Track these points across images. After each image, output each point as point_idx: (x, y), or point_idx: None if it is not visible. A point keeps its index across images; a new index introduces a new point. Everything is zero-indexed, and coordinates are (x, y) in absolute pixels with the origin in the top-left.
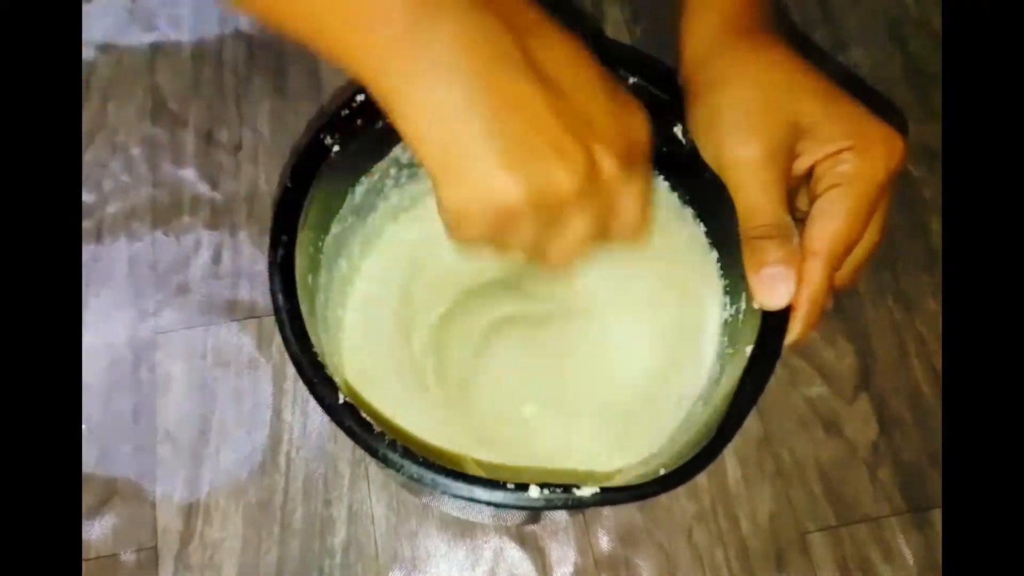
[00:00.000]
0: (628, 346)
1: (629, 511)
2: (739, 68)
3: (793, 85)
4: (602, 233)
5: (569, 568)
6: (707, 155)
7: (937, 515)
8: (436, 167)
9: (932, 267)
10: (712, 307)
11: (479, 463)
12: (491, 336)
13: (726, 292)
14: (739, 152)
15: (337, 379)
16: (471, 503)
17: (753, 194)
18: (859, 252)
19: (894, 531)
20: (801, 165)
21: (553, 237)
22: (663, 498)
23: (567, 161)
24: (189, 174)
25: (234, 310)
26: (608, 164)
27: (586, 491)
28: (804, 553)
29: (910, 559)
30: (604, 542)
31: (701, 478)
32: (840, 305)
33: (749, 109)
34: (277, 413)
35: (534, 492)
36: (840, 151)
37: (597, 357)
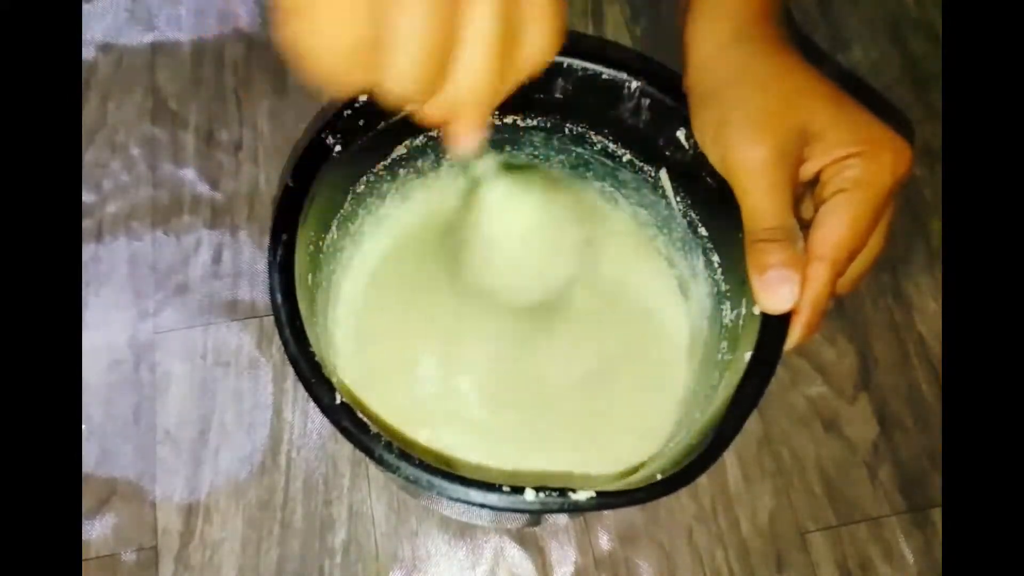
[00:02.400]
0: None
1: (629, 511)
2: (748, 72)
3: (802, 90)
4: (508, 39)
5: (569, 568)
6: (713, 158)
7: (937, 515)
8: None
9: (932, 267)
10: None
11: (468, 465)
12: (489, 333)
13: (726, 297)
14: (747, 154)
15: (334, 379)
16: (468, 506)
17: (759, 197)
18: (862, 259)
19: (894, 531)
20: (808, 170)
21: (458, 54)
22: (663, 498)
23: None
24: (189, 174)
25: (234, 310)
26: None
27: (582, 495)
28: (804, 553)
29: (910, 559)
30: (604, 542)
31: (701, 478)
32: (840, 305)
33: (758, 112)
34: (277, 413)
35: (530, 495)
36: (848, 156)
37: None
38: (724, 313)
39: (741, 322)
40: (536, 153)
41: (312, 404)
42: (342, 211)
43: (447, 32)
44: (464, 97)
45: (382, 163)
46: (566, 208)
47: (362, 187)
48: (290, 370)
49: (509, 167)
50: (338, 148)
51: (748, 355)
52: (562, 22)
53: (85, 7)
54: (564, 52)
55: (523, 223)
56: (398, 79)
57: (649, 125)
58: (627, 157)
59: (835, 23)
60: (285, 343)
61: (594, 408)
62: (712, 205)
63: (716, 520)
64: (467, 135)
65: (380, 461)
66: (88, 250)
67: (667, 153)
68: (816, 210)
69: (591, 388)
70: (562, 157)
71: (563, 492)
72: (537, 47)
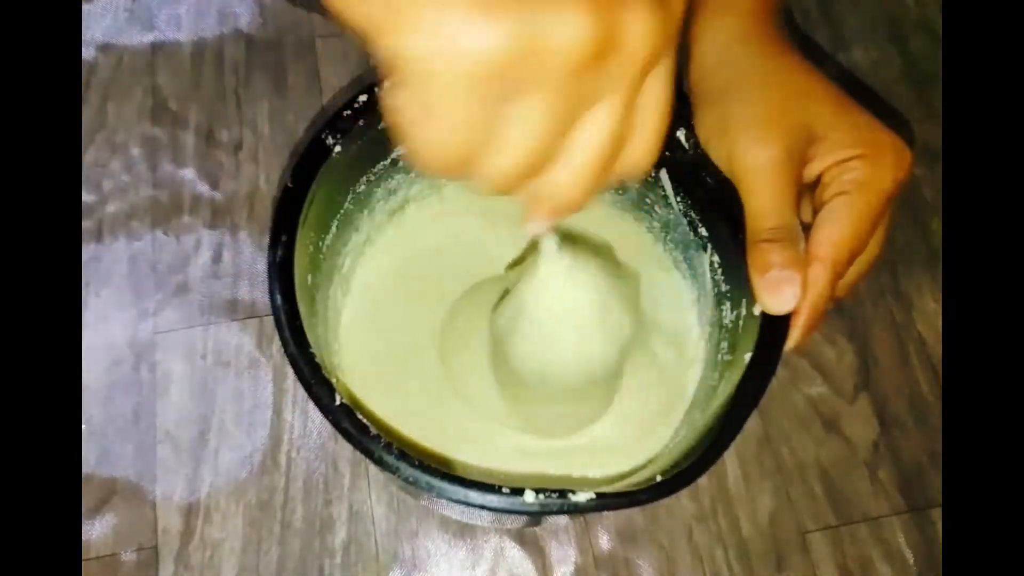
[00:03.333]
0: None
1: (629, 511)
2: (753, 73)
3: (806, 91)
4: (615, 150)
5: (569, 568)
6: (717, 156)
7: (937, 515)
8: (378, 12)
9: (932, 267)
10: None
11: (467, 465)
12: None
13: (726, 297)
14: (752, 155)
15: (335, 380)
16: (467, 507)
17: (764, 197)
18: (861, 262)
19: (894, 531)
20: (811, 171)
21: (564, 151)
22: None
23: (575, 9)
24: (189, 174)
25: (234, 310)
26: (637, 27)
27: (582, 496)
28: (804, 553)
29: (910, 559)
30: (604, 541)
31: (701, 478)
32: (840, 305)
33: (763, 113)
34: (277, 413)
35: (529, 497)
36: (850, 159)
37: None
38: (724, 313)
39: (741, 322)
40: None
41: (312, 404)
42: (342, 211)
43: (556, 144)
44: (558, 194)
45: (382, 163)
46: (623, 293)
47: (362, 187)
48: (290, 370)
49: (572, 238)
50: (338, 148)
51: (748, 355)
52: (664, 134)
53: (85, 7)
54: None
55: (576, 303)
56: (496, 176)
57: None
58: None
59: (835, 23)
60: (285, 343)
61: (594, 408)
62: (712, 205)
63: (716, 520)
64: (546, 220)
65: (379, 462)
66: (88, 250)
67: (667, 153)
68: (815, 212)
69: (591, 389)
70: None
71: (563, 493)
72: (638, 155)
